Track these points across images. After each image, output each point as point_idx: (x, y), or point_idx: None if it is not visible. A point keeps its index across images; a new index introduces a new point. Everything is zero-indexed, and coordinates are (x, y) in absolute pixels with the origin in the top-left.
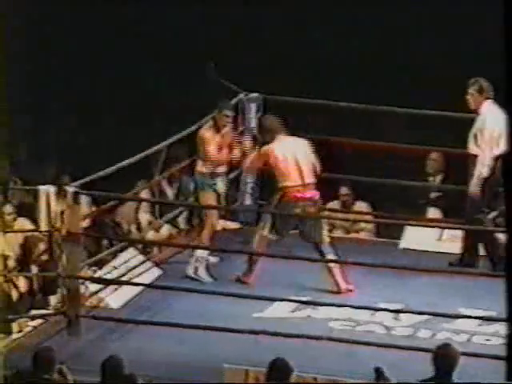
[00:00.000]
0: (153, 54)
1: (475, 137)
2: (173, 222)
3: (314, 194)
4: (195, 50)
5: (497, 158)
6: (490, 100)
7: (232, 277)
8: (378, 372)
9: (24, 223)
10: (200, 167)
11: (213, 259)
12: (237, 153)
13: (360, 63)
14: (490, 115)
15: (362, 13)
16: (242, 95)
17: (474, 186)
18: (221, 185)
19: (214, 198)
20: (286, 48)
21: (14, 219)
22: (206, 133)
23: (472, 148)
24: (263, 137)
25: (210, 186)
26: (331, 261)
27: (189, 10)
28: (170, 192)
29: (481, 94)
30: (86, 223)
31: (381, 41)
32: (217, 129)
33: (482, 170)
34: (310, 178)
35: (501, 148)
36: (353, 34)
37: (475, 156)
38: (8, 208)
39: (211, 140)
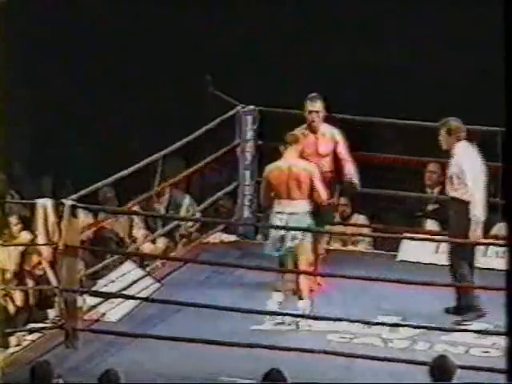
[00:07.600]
0: (151, 67)
1: (451, 180)
2: (168, 236)
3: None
4: (194, 63)
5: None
6: (461, 141)
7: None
8: None
9: (26, 236)
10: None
11: None
12: None
13: (359, 75)
14: (464, 159)
15: (359, 25)
16: (238, 107)
17: (475, 233)
18: None
19: None
20: (283, 60)
21: (20, 230)
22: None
23: (448, 191)
24: None
25: None
26: (331, 275)
27: (188, 23)
28: (160, 208)
29: (450, 135)
30: (86, 236)
31: (379, 52)
32: None
33: (477, 214)
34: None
35: (482, 189)
36: (350, 46)
37: (453, 198)
38: (14, 219)
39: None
